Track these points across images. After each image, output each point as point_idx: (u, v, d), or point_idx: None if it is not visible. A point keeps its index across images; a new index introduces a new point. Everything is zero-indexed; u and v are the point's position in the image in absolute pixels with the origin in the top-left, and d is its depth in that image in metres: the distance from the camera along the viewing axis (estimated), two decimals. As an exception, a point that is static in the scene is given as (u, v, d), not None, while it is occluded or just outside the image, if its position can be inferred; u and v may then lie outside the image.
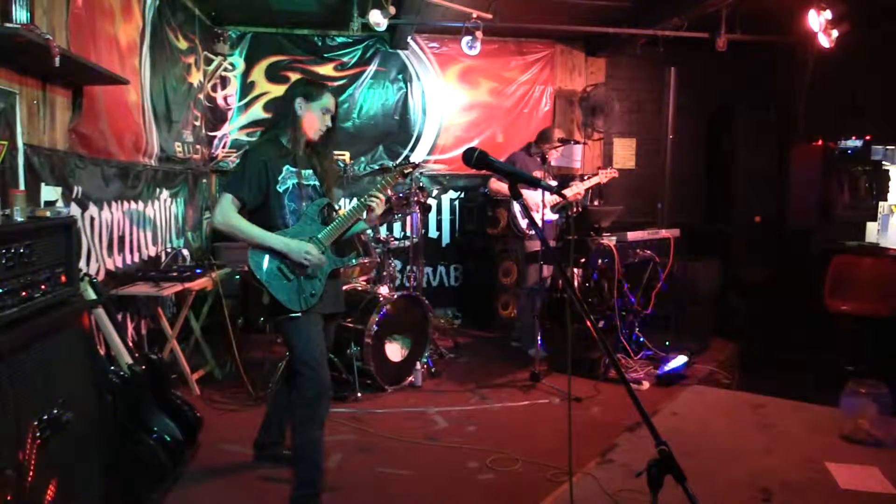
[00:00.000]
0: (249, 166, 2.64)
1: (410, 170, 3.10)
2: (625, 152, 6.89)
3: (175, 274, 3.99)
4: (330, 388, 2.75)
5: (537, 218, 4.71)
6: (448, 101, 6.50)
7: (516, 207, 4.97)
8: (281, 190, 2.66)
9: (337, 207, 2.88)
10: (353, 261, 2.75)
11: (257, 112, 6.13)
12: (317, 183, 2.78)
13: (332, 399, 4.05)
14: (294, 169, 2.70)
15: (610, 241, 4.62)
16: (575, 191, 5.05)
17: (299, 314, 2.63)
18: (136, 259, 4.07)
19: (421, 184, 4.87)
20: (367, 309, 4.18)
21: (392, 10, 4.88)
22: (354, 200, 2.94)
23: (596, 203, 5.32)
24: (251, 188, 2.62)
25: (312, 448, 2.69)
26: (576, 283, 4.85)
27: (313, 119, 2.72)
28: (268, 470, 3.11)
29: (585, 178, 5.47)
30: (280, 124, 2.75)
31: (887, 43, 4.97)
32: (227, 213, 2.60)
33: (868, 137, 5.22)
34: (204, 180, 5.81)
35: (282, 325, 2.69)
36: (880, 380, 3.10)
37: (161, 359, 3.14)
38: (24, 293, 2.00)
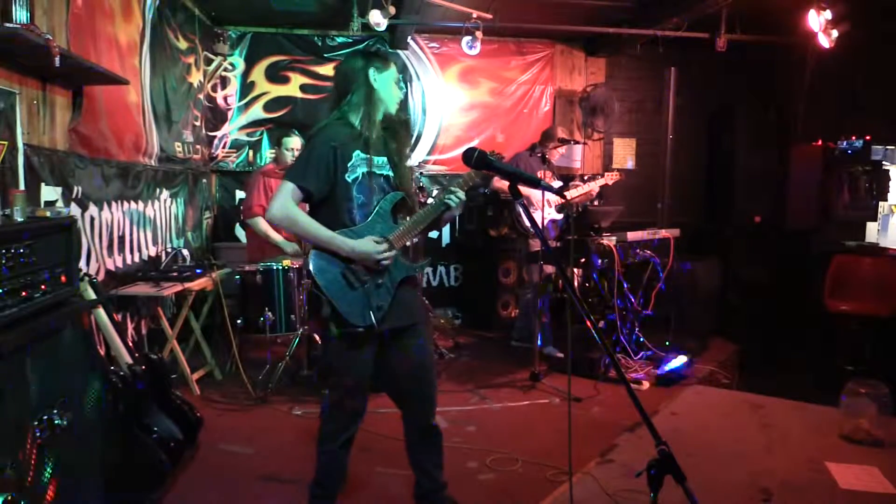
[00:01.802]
0: (316, 151, 2.28)
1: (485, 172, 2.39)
2: (625, 152, 6.89)
3: (175, 274, 3.99)
4: (359, 416, 2.42)
5: (538, 217, 4.72)
6: (448, 101, 6.50)
7: (519, 206, 4.96)
8: (349, 179, 2.28)
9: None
10: (426, 267, 2.27)
11: (257, 112, 6.13)
12: (390, 173, 2.40)
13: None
14: (365, 156, 2.31)
15: (610, 241, 4.62)
16: (579, 192, 5.02)
17: (361, 329, 2.26)
18: (136, 259, 4.07)
19: (421, 184, 4.88)
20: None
21: (392, 10, 4.88)
22: (430, 199, 2.57)
23: (596, 203, 5.32)
24: (319, 177, 2.25)
25: (331, 461, 2.43)
26: (576, 283, 4.85)
27: (390, 89, 2.40)
28: (268, 470, 3.11)
29: (586, 178, 5.46)
30: (350, 101, 2.36)
31: (887, 43, 4.97)
32: (287, 205, 2.23)
33: (868, 137, 5.21)
34: (204, 180, 5.81)
35: (323, 336, 2.37)
36: (880, 380, 3.10)
37: (161, 359, 3.14)
38: (24, 293, 1.99)
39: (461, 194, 2.43)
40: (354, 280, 2.27)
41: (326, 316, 2.26)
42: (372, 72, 2.35)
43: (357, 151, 2.30)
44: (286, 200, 2.24)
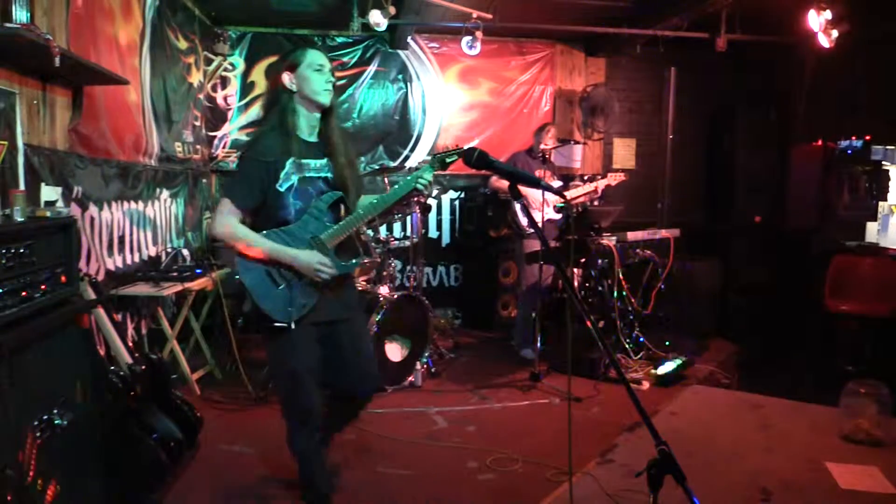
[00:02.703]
0: (247, 168, 2.35)
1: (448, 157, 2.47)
2: (625, 152, 6.89)
3: (175, 274, 3.99)
4: (317, 405, 2.47)
5: (538, 217, 4.71)
6: (448, 101, 6.50)
7: (517, 206, 4.97)
8: (283, 189, 2.33)
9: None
10: (356, 263, 2.46)
11: (257, 112, 6.12)
12: (329, 175, 2.43)
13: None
14: (299, 162, 2.35)
15: (610, 241, 4.63)
16: (581, 192, 5.01)
17: (285, 325, 2.33)
18: (136, 259, 4.07)
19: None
20: (367, 309, 4.18)
21: (392, 10, 4.88)
22: (367, 197, 2.59)
23: (596, 203, 5.32)
24: (251, 192, 2.32)
25: (306, 457, 2.54)
26: (576, 283, 4.85)
27: (310, 83, 2.36)
28: (268, 470, 3.11)
29: (586, 178, 5.46)
30: (275, 110, 2.38)
31: (887, 43, 4.97)
32: (226, 222, 2.31)
33: (868, 137, 5.21)
34: (204, 180, 5.80)
35: (265, 333, 2.42)
36: (880, 380, 3.10)
37: (161, 359, 3.14)
38: (24, 293, 2.00)
39: (428, 175, 2.40)
40: (278, 278, 2.34)
41: (248, 311, 2.35)
42: (286, 77, 2.36)
43: (290, 160, 2.33)
44: (224, 217, 2.32)
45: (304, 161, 2.37)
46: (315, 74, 2.36)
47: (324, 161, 2.42)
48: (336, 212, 2.46)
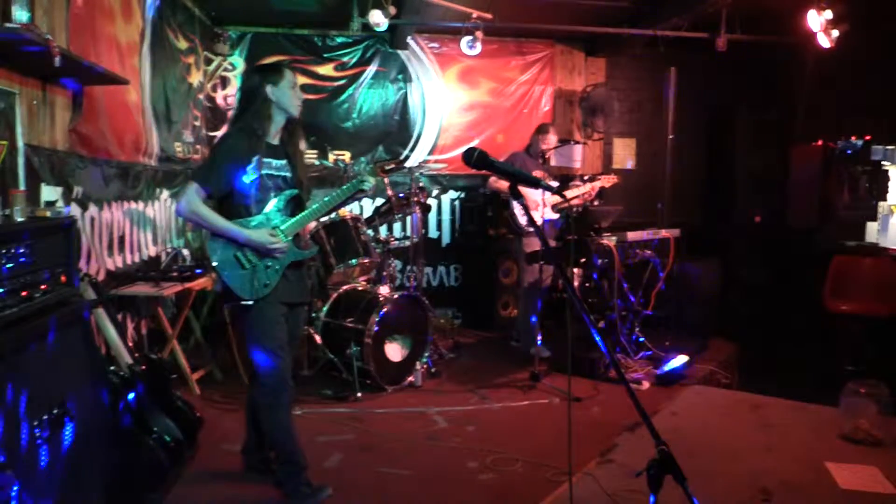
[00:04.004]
0: (219, 158, 2.69)
1: (392, 167, 3.30)
2: (625, 152, 6.89)
3: (175, 274, 3.99)
4: (290, 377, 2.78)
5: (537, 217, 4.72)
6: (448, 101, 6.49)
7: (515, 206, 4.98)
8: (247, 181, 2.66)
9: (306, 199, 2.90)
10: (307, 254, 2.85)
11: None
12: (288, 174, 2.80)
13: (331, 397, 4.08)
14: (265, 160, 2.71)
15: (610, 241, 4.62)
16: (575, 193, 5.03)
17: (251, 302, 2.65)
18: (136, 259, 4.07)
19: (421, 184, 4.88)
20: (367, 309, 4.18)
21: (392, 10, 4.88)
22: (326, 191, 3.05)
23: (596, 203, 5.33)
24: (220, 180, 2.64)
25: (283, 430, 2.77)
26: (576, 283, 4.85)
27: (288, 98, 2.75)
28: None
29: (585, 178, 5.47)
30: (251, 112, 2.73)
31: (887, 43, 4.97)
32: (192, 201, 2.61)
33: (868, 137, 5.21)
34: (204, 180, 5.80)
35: (237, 313, 2.74)
36: (880, 380, 3.10)
37: (161, 359, 3.14)
38: (24, 293, 2.00)
39: (372, 180, 2.91)
40: (245, 261, 2.67)
41: (218, 291, 2.72)
42: (269, 88, 2.72)
43: (256, 157, 2.68)
44: (191, 197, 2.61)
45: (266, 160, 2.71)
46: (292, 92, 2.77)
47: (283, 162, 2.79)
48: (291, 207, 2.81)
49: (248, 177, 2.66)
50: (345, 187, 2.92)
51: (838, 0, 4.78)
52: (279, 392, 2.75)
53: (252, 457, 3.08)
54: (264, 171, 2.70)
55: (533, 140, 5.20)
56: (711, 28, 5.33)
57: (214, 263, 2.66)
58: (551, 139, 5.09)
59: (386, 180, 4.89)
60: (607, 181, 5.17)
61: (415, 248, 4.90)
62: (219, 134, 6.04)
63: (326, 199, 2.90)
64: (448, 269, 6.64)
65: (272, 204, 2.73)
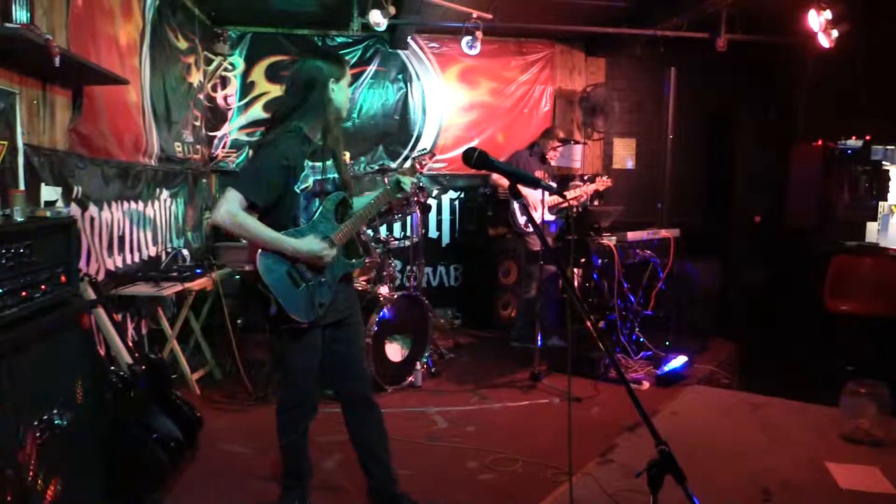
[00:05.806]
0: (267, 166, 2.34)
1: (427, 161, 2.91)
2: (625, 152, 6.89)
3: (175, 274, 3.99)
4: (315, 405, 2.62)
5: (536, 217, 4.72)
6: (448, 101, 6.50)
7: (515, 205, 4.99)
8: (299, 190, 2.38)
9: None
10: (356, 264, 2.57)
11: (257, 112, 6.13)
12: (336, 175, 2.50)
13: (332, 397, 4.07)
14: (316, 164, 2.43)
15: (610, 241, 4.62)
16: (573, 194, 5.06)
17: (306, 325, 2.39)
18: (136, 259, 4.06)
19: (421, 184, 4.88)
20: (367, 309, 4.18)
21: (392, 10, 4.88)
22: (368, 194, 2.74)
23: (596, 203, 5.34)
24: (269, 191, 2.33)
25: (295, 449, 2.62)
26: (576, 283, 4.85)
27: (345, 95, 2.48)
28: (268, 470, 3.11)
29: (585, 178, 5.48)
30: (306, 111, 2.41)
31: (887, 43, 4.97)
32: (234, 212, 2.27)
33: (868, 137, 5.21)
34: (204, 180, 5.80)
35: (281, 333, 2.47)
36: (880, 380, 3.09)
37: (161, 359, 3.14)
38: (24, 293, 2.00)
39: (408, 181, 2.61)
40: (299, 278, 2.38)
41: (274, 314, 2.36)
42: (331, 83, 2.42)
43: (307, 162, 2.40)
44: (233, 207, 2.28)
45: (317, 163, 2.44)
46: (347, 90, 2.50)
47: (329, 162, 2.48)
48: (339, 212, 2.52)
49: (300, 185, 2.37)
50: (385, 189, 2.62)
51: (838, 0, 4.78)
52: (299, 415, 2.58)
53: (382, 496, 2.71)
54: (317, 176, 2.42)
55: (541, 143, 5.23)
56: (711, 28, 5.33)
57: (269, 283, 2.32)
58: (553, 145, 5.12)
59: (386, 180, 4.90)
60: (601, 184, 5.21)
61: (415, 248, 4.90)
62: (219, 134, 6.04)
63: (370, 200, 2.58)
64: (448, 268, 6.64)
65: (320, 210, 2.44)
